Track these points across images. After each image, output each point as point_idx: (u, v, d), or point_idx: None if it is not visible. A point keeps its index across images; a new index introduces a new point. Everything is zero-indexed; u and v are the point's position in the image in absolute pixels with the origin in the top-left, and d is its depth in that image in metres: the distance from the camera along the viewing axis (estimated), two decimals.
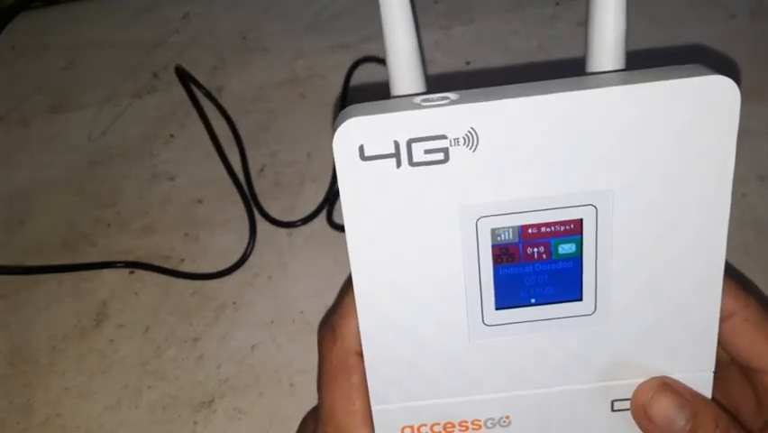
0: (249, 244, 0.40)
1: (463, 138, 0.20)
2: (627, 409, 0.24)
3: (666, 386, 0.23)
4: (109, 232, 0.42)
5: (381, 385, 0.24)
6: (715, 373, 0.24)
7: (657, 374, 0.23)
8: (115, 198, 0.43)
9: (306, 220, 0.41)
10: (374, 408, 0.24)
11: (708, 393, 0.24)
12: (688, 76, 0.20)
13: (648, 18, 0.45)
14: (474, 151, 0.20)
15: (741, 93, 0.20)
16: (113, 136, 0.45)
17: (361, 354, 0.24)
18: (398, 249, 0.22)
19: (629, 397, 0.24)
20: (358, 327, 0.23)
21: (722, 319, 0.23)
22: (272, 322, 0.38)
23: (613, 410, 0.24)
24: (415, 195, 0.21)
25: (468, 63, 0.45)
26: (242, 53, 0.48)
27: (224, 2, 0.50)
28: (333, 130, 0.20)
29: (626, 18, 0.23)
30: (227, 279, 0.40)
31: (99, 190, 0.44)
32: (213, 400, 0.37)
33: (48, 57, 0.49)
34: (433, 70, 0.45)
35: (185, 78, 0.45)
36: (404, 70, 0.23)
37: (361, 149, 0.20)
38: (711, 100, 0.20)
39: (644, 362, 0.23)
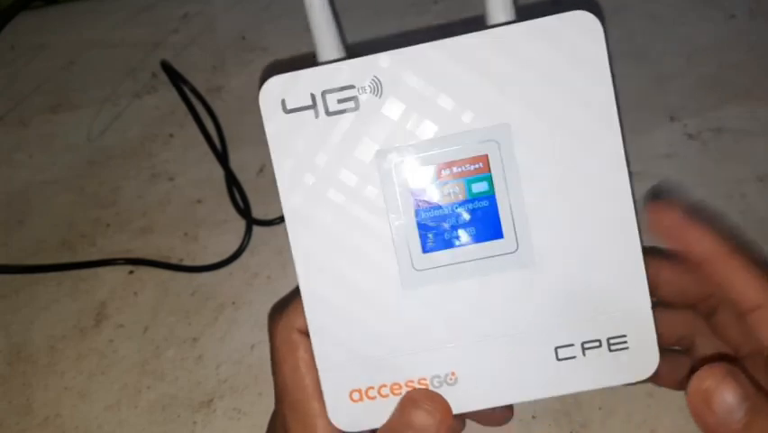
0: (245, 236, 0.40)
1: (369, 86, 0.23)
2: (572, 358, 0.24)
3: (733, 375, 0.23)
4: (108, 232, 0.42)
5: (325, 344, 0.24)
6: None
7: (593, 318, 0.24)
8: (115, 197, 0.43)
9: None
10: (320, 369, 0.24)
11: (653, 353, 0.24)
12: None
13: (648, 18, 0.45)
14: (380, 97, 0.23)
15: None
16: (112, 136, 0.45)
17: (305, 333, 0.25)
18: (327, 198, 0.24)
19: (572, 343, 0.24)
20: (302, 311, 0.24)
21: (749, 311, 0.24)
22: None
23: (558, 359, 0.24)
24: (334, 142, 0.24)
25: None
26: (241, 53, 0.48)
27: (224, 2, 0.50)
28: (259, 89, 0.23)
29: None
30: (226, 279, 0.40)
31: (98, 190, 0.44)
32: (212, 400, 0.37)
33: (47, 57, 0.49)
34: None
35: (173, 75, 0.45)
36: (324, 39, 0.26)
37: (283, 103, 0.24)
38: (576, 32, 0.23)
39: (578, 303, 0.24)
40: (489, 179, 0.23)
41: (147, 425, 0.36)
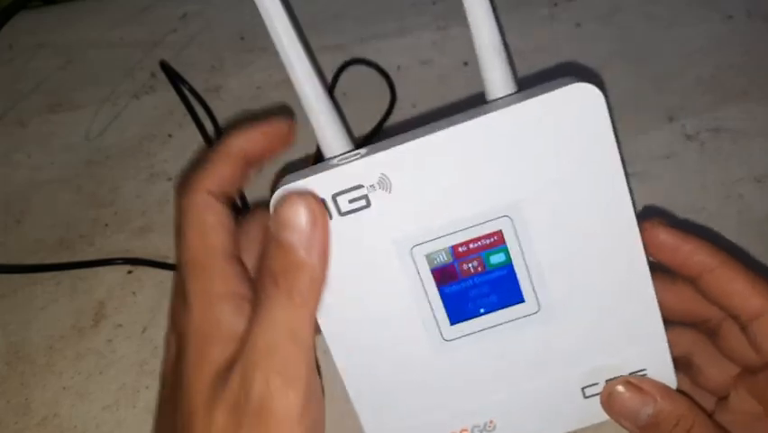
0: None
1: (377, 183, 0.23)
2: (598, 394, 0.26)
3: (628, 384, 0.25)
4: (107, 232, 0.42)
5: (372, 414, 0.26)
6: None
7: (615, 358, 0.25)
8: (113, 197, 0.43)
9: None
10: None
11: (671, 382, 0.25)
12: (556, 89, 0.22)
13: (645, 19, 0.45)
14: (390, 192, 0.23)
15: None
16: (111, 136, 0.45)
17: (215, 195, 0.24)
18: (353, 291, 0.24)
19: (597, 382, 0.26)
20: (211, 171, 0.24)
21: (751, 319, 0.24)
22: None
23: (585, 397, 0.26)
24: (352, 240, 0.24)
25: (466, 64, 0.45)
26: (240, 53, 0.48)
27: (223, 2, 0.50)
28: (270, 198, 0.23)
29: (506, 51, 0.25)
30: None
31: (97, 190, 0.44)
32: None
33: (46, 56, 0.49)
34: (431, 72, 0.45)
35: (172, 75, 0.45)
36: (329, 139, 0.26)
37: None
38: (578, 105, 0.23)
39: (600, 347, 0.25)
40: (506, 251, 0.24)
41: (145, 424, 0.36)
